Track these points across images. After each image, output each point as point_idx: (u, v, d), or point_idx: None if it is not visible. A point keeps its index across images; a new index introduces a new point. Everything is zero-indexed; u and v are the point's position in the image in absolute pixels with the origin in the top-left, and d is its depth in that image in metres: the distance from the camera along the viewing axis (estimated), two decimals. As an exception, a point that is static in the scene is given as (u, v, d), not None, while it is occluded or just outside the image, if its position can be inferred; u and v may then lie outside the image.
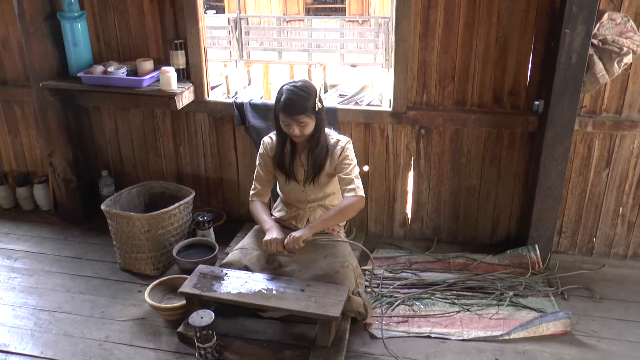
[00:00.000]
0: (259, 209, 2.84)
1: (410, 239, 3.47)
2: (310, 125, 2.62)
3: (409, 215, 3.44)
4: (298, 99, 2.59)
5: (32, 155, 3.95)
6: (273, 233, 2.70)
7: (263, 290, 2.58)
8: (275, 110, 2.66)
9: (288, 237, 2.64)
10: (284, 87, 2.63)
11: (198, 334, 2.46)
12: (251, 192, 2.90)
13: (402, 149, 3.28)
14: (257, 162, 2.88)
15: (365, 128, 3.28)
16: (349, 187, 2.69)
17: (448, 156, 3.26)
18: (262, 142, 2.88)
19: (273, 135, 2.83)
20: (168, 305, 2.76)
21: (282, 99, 2.60)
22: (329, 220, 2.68)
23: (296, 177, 2.80)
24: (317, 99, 2.63)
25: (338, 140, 2.75)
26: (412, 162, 3.30)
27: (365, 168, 3.35)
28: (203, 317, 2.46)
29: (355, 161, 2.74)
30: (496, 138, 3.18)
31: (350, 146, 2.75)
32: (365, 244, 3.32)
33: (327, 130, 2.77)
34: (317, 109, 2.62)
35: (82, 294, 3.04)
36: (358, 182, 2.70)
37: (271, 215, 3.02)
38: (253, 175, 2.91)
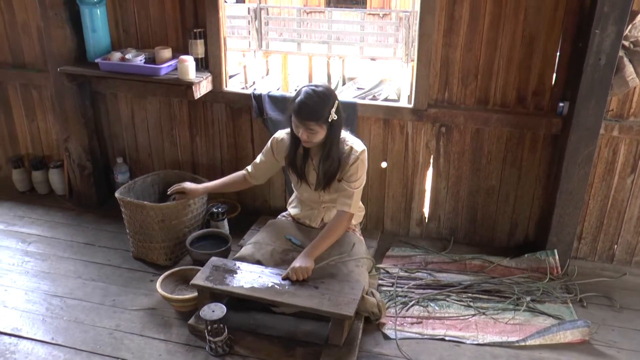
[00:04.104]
0: (230, 175, 2.98)
1: (426, 238, 3.45)
2: (319, 134, 2.56)
3: (426, 214, 3.42)
4: (312, 105, 2.51)
5: (49, 140, 3.96)
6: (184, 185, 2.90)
7: (276, 286, 2.56)
8: (289, 110, 2.61)
9: (290, 269, 2.59)
10: (303, 89, 2.57)
11: (209, 328, 2.46)
12: (248, 167, 2.94)
13: (422, 146, 3.25)
14: (262, 152, 2.88)
15: (385, 124, 3.25)
16: (344, 200, 2.67)
17: (468, 156, 3.22)
18: (272, 139, 2.84)
19: (285, 133, 2.78)
20: (180, 297, 2.75)
21: (297, 99, 2.53)
22: (325, 243, 2.66)
23: (308, 180, 2.78)
24: (334, 110, 2.54)
25: (352, 148, 2.68)
26: (431, 161, 3.27)
27: (384, 165, 3.33)
28: (215, 311, 2.45)
29: (364, 176, 2.71)
30: (518, 139, 3.13)
31: (364, 157, 2.69)
32: (380, 242, 3.30)
33: (343, 133, 2.70)
34: (330, 120, 2.54)
35: (94, 281, 3.05)
36: (356, 197, 2.68)
37: (286, 210, 3.04)
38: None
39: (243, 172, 2.94)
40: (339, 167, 2.65)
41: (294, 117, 2.55)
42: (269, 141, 2.85)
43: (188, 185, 2.96)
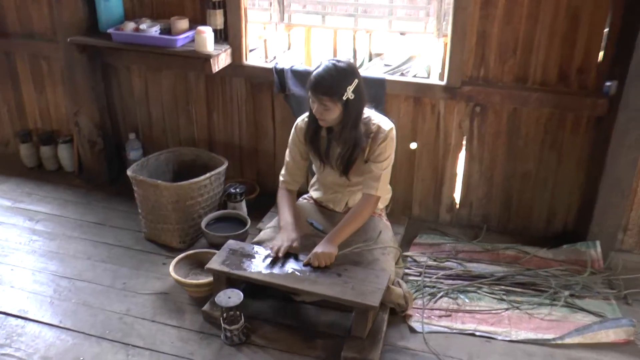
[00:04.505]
0: (282, 199, 2.82)
1: (457, 226, 3.42)
2: (332, 112, 2.53)
3: (457, 200, 3.39)
4: (328, 78, 2.48)
5: (58, 114, 3.97)
6: (284, 236, 2.65)
7: (296, 272, 2.56)
8: (307, 83, 2.59)
9: (312, 255, 2.59)
10: (324, 62, 2.55)
11: (224, 315, 2.46)
12: (280, 177, 2.89)
13: (454, 127, 3.21)
14: (288, 147, 2.85)
15: (415, 102, 3.21)
16: (371, 182, 2.66)
17: (504, 138, 3.17)
18: (294, 125, 2.81)
19: (307, 115, 2.76)
20: (194, 282, 2.76)
21: (314, 72, 2.53)
22: (349, 228, 2.66)
23: (331, 163, 2.76)
24: (352, 89, 2.50)
25: (379, 127, 2.66)
26: (464, 142, 3.24)
27: (413, 146, 3.31)
28: (231, 297, 2.46)
29: (392, 155, 2.69)
30: (559, 120, 3.06)
31: (392, 135, 2.67)
32: (408, 228, 3.28)
33: (367, 111, 2.67)
34: (346, 99, 2.50)
35: (104, 263, 3.06)
36: (384, 179, 2.68)
37: (307, 192, 3.04)
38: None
39: (282, 187, 2.87)
40: (355, 150, 2.63)
41: (309, 90, 2.54)
42: (293, 130, 2.82)
43: (287, 242, 2.71)
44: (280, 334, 2.54)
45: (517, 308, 2.75)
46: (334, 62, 2.52)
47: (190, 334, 2.58)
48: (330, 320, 2.61)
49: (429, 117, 3.22)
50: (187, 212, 3.13)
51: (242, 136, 3.60)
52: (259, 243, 2.75)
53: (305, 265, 2.58)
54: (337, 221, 2.74)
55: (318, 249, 2.59)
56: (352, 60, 2.80)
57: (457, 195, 3.38)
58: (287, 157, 2.85)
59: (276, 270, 2.57)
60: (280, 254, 2.59)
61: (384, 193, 2.75)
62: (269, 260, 2.63)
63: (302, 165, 2.84)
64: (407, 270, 2.98)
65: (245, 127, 3.57)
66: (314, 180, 3.02)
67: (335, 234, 2.64)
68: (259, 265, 2.60)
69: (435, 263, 3.06)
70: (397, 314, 2.69)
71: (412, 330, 2.63)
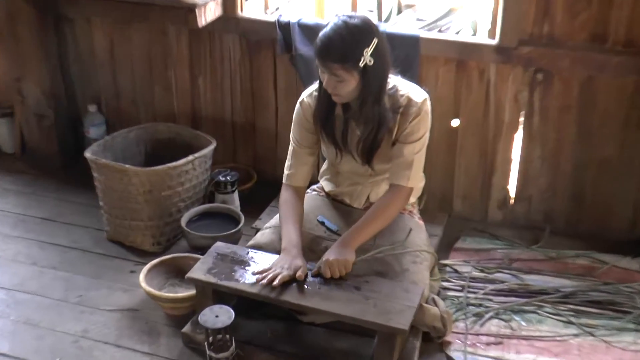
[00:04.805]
0: (286, 205, 2.78)
1: (511, 226, 3.45)
2: (348, 84, 2.52)
3: (512, 193, 3.42)
4: (339, 41, 2.46)
5: (-6, 80, 4.01)
6: (284, 261, 2.59)
7: (304, 285, 2.55)
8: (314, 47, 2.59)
9: (323, 262, 2.58)
10: (332, 19, 2.54)
11: (211, 339, 2.44)
12: (284, 172, 2.87)
13: (509, 99, 3.23)
14: (292, 131, 2.84)
15: (458, 67, 3.23)
16: (400, 170, 2.66)
17: (574, 114, 3.18)
18: (299, 102, 2.81)
19: (315, 89, 2.75)
20: (171, 295, 2.77)
21: (320, 33, 2.52)
22: (372, 228, 2.66)
23: (350, 150, 2.76)
24: (371, 52, 2.48)
25: (409, 99, 2.65)
26: (522, 119, 3.26)
27: (455, 123, 3.33)
28: (219, 316, 2.44)
29: (427, 135, 2.70)
30: (648, 92, 3.10)
31: (426, 108, 2.66)
32: (447, 229, 3.30)
33: (393, 79, 2.67)
34: (363, 65, 2.48)
35: (55, 270, 3.07)
36: (417, 166, 2.68)
37: (317, 182, 3.06)
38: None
39: (286, 185, 2.85)
40: (379, 131, 2.63)
41: (317, 57, 2.53)
42: (297, 108, 2.80)
43: (287, 271, 2.59)
44: (282, 366, 2.55)
45: (591, 334, 2.74)
46: (344, 19, 2.50)
47: (166, 363, 2.60)
48: (346, 348, 2.61)
49: (476, 87, 3.23)
50: (163, 205, 3.14)
51: (235, 109, 3.61)
52: (255, 247, 2.76)
53: (314, 276, 2.58)
54: (355, 220, 2.73)
55: (330, 254, 2.58)
56: (368, 15, 2.76)
57: (512, 188, 3.40)
58: (291, 143, 2.85)
59: (278, 282, 2.54)
60: (275, 284, 2.51)
61: (417, 183, 2.74)
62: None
63: (311, 153, 2.84)
64: (445, 284, 2.98)
65: (240, 98, 3.59)
66: (325, 166, 3.02)
67: (352, 235, 2.63)
68: (254, 275, 2.60)
69: (482, 274, 3.06)
70: (433, 340, 2.68)
71: (452, 361, 2.62)
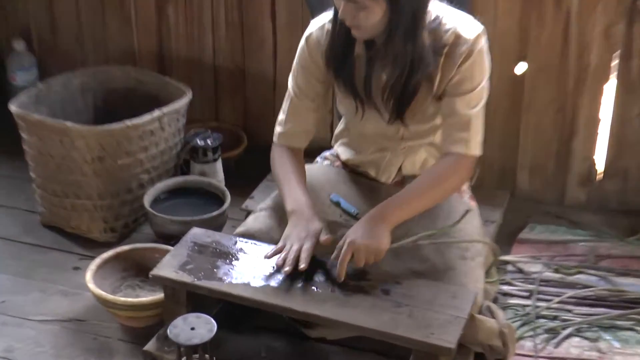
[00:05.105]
0: (281, 165, 2.80)
1: (597, 211, 3.48)
2: (372, 13, 2.48)
3: (600, 165, 3.46)
4: None
5: None
6: (298, 230, 2.56)
7: (312, 288, 2.51)
8: None
9: (345, 243, 2.51)
10: None
11: (184, 359, 2.39)
12: (276, 129, 2.86)
13: (595, 35, 3.25)
14: (292, 74, 2.81)
15: None
16: (455, 133, 2.61)
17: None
18: (305, 37, 2.77)
19: (328, 21, 2.72)
20: (130, 300, 2.78)
21: None
22: (415, 205, 2.61)
23: (376, 103, 2.71)
24: None
25: (458, 35, 2.59)
26: (615, 63, 3.28)
27: (520, 68, 3.37)
28: (195, 329, 2.38)
29: (485, 83, 2.64)
30: None
31: (482, 47, 2.61)
32: (509, 213, 3.35)
33: (436, 8, 2.63)
34: None
35: (-32, 266, 3.16)
36: (476, 125, 2.62)
37: (330, 147, 3.07)
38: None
39: (279, 145, 2.84)
40: (413, 76, 2.59)
41: None
42: (301, 45, 2.77)
43: (308, 241, 2.61)
44: (281, 397, 2.55)
45: None
46: None
47: (122, 393, 2.60)
48: None
49: (550, 18, 3.25)
50: (118, 178, 3.18)
51: (217, 49, 3.70)
52: (246, 236, 2.74)
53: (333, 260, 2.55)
54: (382, 199, 2.69)
55: (356, 233, 2.51)
56: None
57: (600, 157, 3.43)
58: (289, 92, 2.82)
59: (276, 281, 2.54)
60: (302, 266, 2.49)
61: (479, 149, 2.66)
62: (272, 270, 2.59)
63: (314, 108, 2.81)
64: (505, 288, 3.00)
65: (225, 34, 3.66)
66: (342, 126, 2.98)
67: (389, 209, 2.57)
68: (245, 272, 2.58)
69: (557, 276, 3.07)
70: (488, 363, 2.74)
71: (516, 395, 2.59)
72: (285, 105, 2.80)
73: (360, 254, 2.46)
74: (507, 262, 3.08)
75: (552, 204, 3.47)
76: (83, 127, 3.08)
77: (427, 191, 2.59)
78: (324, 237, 2.52)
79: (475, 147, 2.60)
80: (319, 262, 2.57)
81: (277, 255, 2.53)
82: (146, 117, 3.14)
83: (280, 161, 2.77)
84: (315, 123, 2.83)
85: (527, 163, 3.47)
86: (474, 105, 2.58)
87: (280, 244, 2.54)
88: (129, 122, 3.11)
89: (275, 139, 2.81)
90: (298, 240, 2.51)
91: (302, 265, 2.46)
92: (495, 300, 2.81)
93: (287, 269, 2.47)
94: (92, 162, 3.09)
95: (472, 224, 2.73)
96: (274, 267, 2.55)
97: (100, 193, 3.13)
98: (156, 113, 3.16)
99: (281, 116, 2.81)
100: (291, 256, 2.48)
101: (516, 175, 3.49)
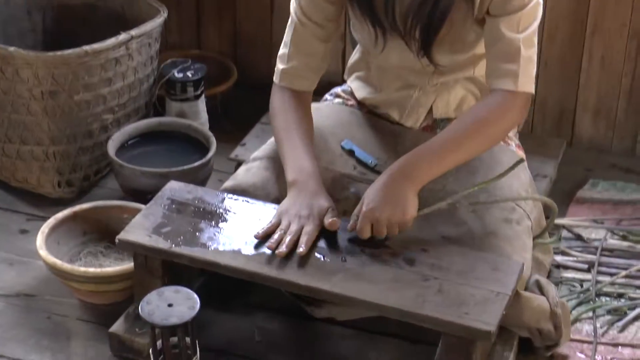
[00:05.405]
0: (282, 114, 2.80)
1: None
2: None
3: None
4: None
5: None
6: (299, 207, 2.58)
7: (316, 256, 2.54)
8: None
9: (364, 207, 2.53)
10: None
11: (159, 344, 2.43)
12: (277, 65, 2.86)
13: None
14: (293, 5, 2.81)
15: None
16: (501, 67, 2.61)
17: None
18: None
19: None
20: (92, 271, 2.77)
21: None
22: (452, 157, 2.61)
23: (400, 30, 2.70)
24: None
25: None
26: None
27: None
28: (173, 306, 2.41)
29: (538, 1, 2.64)
30: None
31: None
32: (565, 164, 3.35)
33: None
34: None
35: None
36: (527, 56, 2.62)
37: (343, 82, 3.11)
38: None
39: (282, 87, 2.83)
40: None
41: None
42: None
43: (311, 223, 2.62)
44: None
45: None
46: None
47: (79, 386, 2.62)
48: None
49: None
50: (75, 118, 3.22)
51: None
52: (236, 192, 2.77)
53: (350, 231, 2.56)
54: (408, 148, 2.70)
55: (374, 197, 2.52)
56: None
57: None
58: (291, 17, 2.83)
59: (304, 247, 2.53)
60: (300, 250, 2.49)
61: (531, 85, 2.65)
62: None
63: (325, 36, 2.82)
64: (559, 258, 3.02)
65: None
66: (357, 56, 3.01)
67: (415, 162, 2.57)
68: (234, 237, 2.60)
69: (624, 244, 3.08)
70: (536, 352, 2.69)
71: (570, 392, 2.62)
72: (287, 35, 2.80)
73: (380, 226, 2.48)
74: (561, 227, 3.09)
75: (620, 154, 3.46)
76: (30, 53, 3.07)
77: (466, 140, 2.58)
78: (330, 219, 2.50)
79: (526, 82, 2.58)
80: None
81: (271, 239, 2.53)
82: (110, 42, 3.13)
83: (282, 110, 2.77)
84: (326, 57, 2.82)
85: (590, 103, 3.49)
86: (525, 28, 2.57)
87: (274, 220, 2.55)
88: (87, 48, 3.08)
89: (275, 78, 2.81)
90: (298, 219, 2.52)
91: (301, 250, 2.46)
92: (548, 275, 2.85)
93: (282, 250, 2.47)
94: (42, 98, 3.10)
95: (519, 179, 2.73)
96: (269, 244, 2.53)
97: (52, 137, 3.16)
98: (122, 36, 3.16)
99: (283, 50, 2.81)
100: (287, 239, 2.48)
101: (575, 118, 3.49)
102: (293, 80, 2.79)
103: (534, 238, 2.75)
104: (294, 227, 2.50)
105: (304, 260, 2.50)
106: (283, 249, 2.46)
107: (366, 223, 2.48)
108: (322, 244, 2.56)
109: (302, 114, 2.76)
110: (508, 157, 2.77)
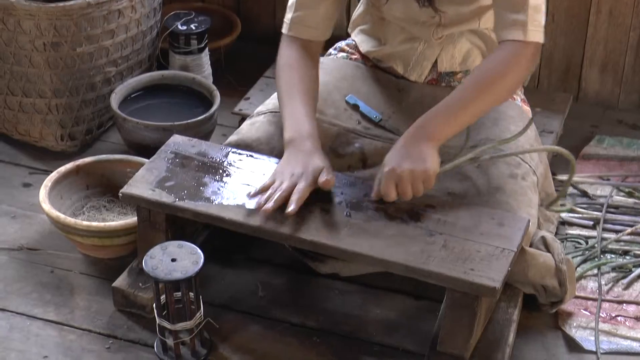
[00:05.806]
0: (287, 71, 2.77)
1: None
2: None
3: None
4: None
5: None
6: (294, 165, 2.55)
7: (321, 210, 2.53)
8: None
9: (385, 173, 2.50)
10: None
11: (163, 298, 2.44)
12: (286, 15, 2.85)
13: None
14: None
15: None
16: (510, 17, 2.58)
17: None
18: None
19: None
20: (95, 225, 2.78)
21: None
22: (469, 110, 2.59)
23: None
24: None
25: None
26: None
27: None
28: (177, 261, 2.42)
29: None
30: None
31: None
32: (572, 119, 3.34)
33: None
34: None
35: None
36: (535, 5, 2.58)
37: (347, 36, 3.10)
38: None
39: (291, 40, 2.80)
40: None
41: None
42: None
43: (304, 181, 2.58)
44: (280, 346, 2.58)
45: None
46: None
47: (83, 339, 2.60)
48: (390, 318, 2.66)
49: None
50: (78, 71, 3.22)
51: None
52: (240, 146, 2.79)
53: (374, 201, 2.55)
54: (412, 103, 2.73)
55: (394, 158, 2.50)
56: None
57: None
58: None
59: (294, 205, 2.52)
60: (290, 209, 2.47)
61: (540, 35, 2.62)
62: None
63: None
64: (565, 215, 3.02)
65: None
66: (361, 9, 2.99)
67: (432, 121, 2.55)
68: (238, 191, 2.60)
69: (630, 201, 3.11)
70: (541, 308, 2.71)
71: (575, 346, 2.63)
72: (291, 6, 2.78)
73: (404, 184, 2.44)
74: (570, 182, 2.93)
75: (627, 110, 3.46)
76: (32, 3, 3.06)
77: (480, 94, 2.56)
78: (324, 178, 2.47)
79: (535, 31, 2.55)
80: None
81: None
82: (111, -6, 3.15)
83: (287, 67, 2.75)
84: (338, 6, 2.80)
85: (596, 57, 3.44)
86: None
87: (268, 181, 2.54)
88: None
89: (284, 29, 2.78)
90: (290, 177, 2.50)
91: (291, 208, 2.43)
92: (556, 231, 2.85)
93: (268, 205, 2.44)
94: (44, 50, 3.11)
95: (525, 134, 2.71)
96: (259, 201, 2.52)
97: (55, 89, 3.16)
98: (124, -11, 3.17)
99: (290, 2, 2.78)
100: (277, 195, 2.45)
101: (582, 72, 3.47)
102: (302, 30, 2.76)
103: (556, 198, 2.75)
104: (285, 185, 2.48)
105: (308, 215, 2.49)
106: (270, 204, 2.45)
107: (390, 183, 2.46)
108: (326, 199, 2.55)
109: (307, 71, 2.73)
110: (513, 113, 2.78)
